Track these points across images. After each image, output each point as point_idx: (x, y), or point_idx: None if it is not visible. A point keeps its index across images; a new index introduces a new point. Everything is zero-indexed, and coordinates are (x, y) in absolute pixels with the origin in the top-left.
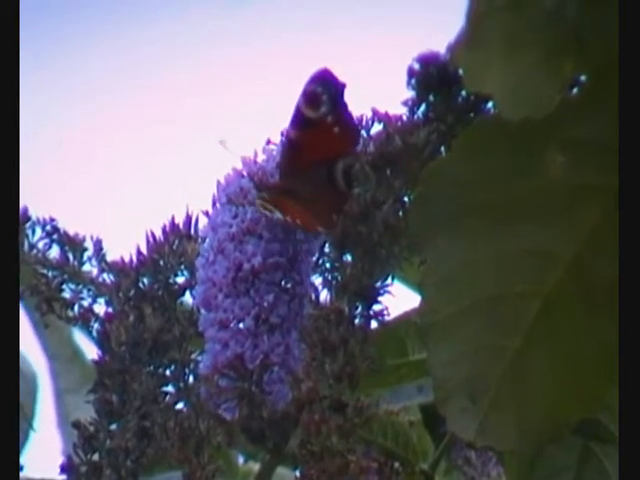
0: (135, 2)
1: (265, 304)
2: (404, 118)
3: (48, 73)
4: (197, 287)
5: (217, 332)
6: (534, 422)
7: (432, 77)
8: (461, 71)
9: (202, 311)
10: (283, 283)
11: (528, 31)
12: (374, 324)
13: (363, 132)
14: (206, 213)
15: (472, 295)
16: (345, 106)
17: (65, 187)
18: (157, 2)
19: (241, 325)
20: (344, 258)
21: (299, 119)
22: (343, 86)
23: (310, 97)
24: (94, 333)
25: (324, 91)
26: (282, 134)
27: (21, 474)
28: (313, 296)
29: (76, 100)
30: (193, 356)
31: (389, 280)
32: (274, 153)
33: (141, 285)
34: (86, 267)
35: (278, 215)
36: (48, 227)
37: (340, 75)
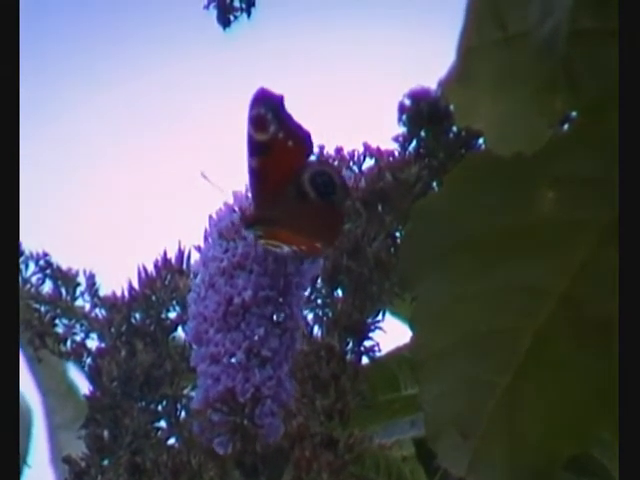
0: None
1: (256, 338)
2: (396, 153)
3: (45, 119)
4: (189, 322)
5: (208, 366)
6: (526, 458)
7: (423, 113)
8: (452, 107)
9: (194, 346)
10: (274, 317)
11: (518, 67)
12: (365, 360)
13: (354, 167)
14: (198, 248)
15: (463, 330)
16: (290, 117)
17: (58, 222)
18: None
19: (232, 359)
20: (335, 294)
21: (254, 146)
22: (281, 98)
23: (256, 121)
24: (86, 368)
25: (267, 110)
26: None
27: None
28: (305, 331)
29: (72, 138)
30: (185, 391)
31: (380, 316)
32: None
33: (133, 320)
34: (79, 302)
35: (287, 249)
36: (41, 262)
37: (332, 110)
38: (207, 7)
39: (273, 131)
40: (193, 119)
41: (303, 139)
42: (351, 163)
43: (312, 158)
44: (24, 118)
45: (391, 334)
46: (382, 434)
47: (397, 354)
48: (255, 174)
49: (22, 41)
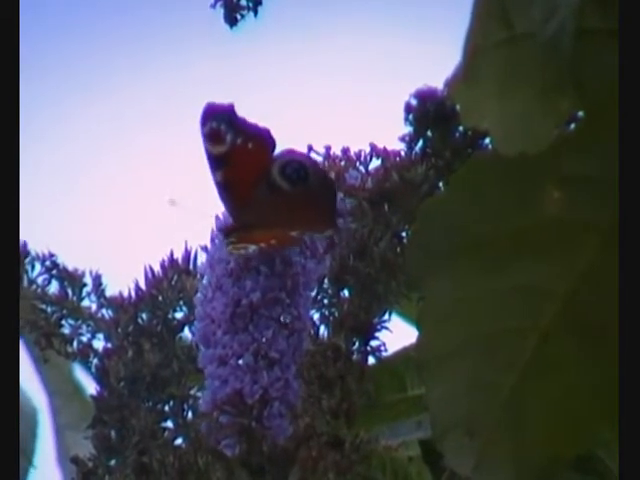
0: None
1: (264, 339)
2: (402, 153)
3: (51, 118)
4: (196, 324)
5: (216, 368)
6: (531, 458)
7: (429, 113)
8: (458, 107)
9: (201, 348)
10: (282, 318)
11: (524, 67)
12: (372, 360)
13: (361, 168)
14: (205, 248)
15: (469, 331)
16: (243, 121)
17: (64, 222)
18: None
19: (240, 361)
20: (342, 294)
21: (215, 160)
22: (231, 107)
23: (211, 136)
24: (93, 369)
25: (219, 123)
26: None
27: None
28: (312, 331)
29: (78, 137)
30: (192, 392)
31: (387, 316)
32: None
33: (140, 321)
34: (85, 302)
35: (252, 248)
36: (47, 262)
37: (338, 110)
38: (214, 6)
39: (230, 140)
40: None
41: (262, 137)
42: (358, 163)
43: (278, 151)
44: (29, 117)
45: (397, 334)
46: (388, 434)
47: (403, 354)
48: (222, 187)
49: (26, 42)
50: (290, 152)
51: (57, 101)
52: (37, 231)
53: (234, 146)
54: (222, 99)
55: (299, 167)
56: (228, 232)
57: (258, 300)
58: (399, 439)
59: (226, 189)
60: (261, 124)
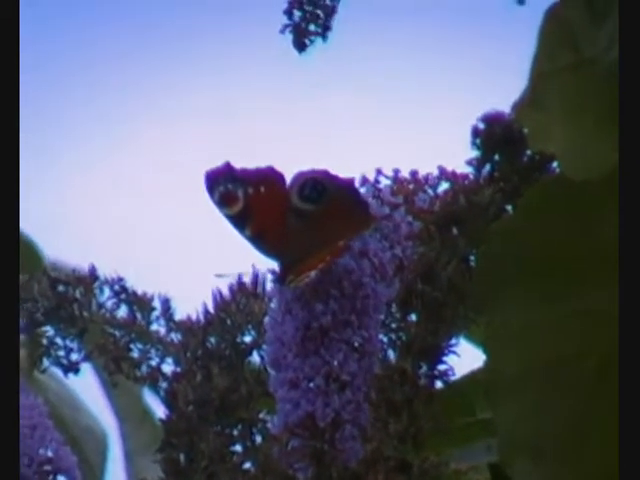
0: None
1: (335, 362)
2: (470, 177)
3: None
4: (266, 348)
5: (287, 392)
6: None
7: (497, 136)
8: (525, 130)
9: (272, 372)
10: (352, 341)
11: (589, 91)
12: (439, 384)
13: (430, 191)
14: (272, 272)
15: (534, 354)
16: (245, 171)
17: (133, 246)
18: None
19: (311, 384)
20: (409, 318)
21: (237, 220)
22: (227, 165)
23: (223, 200)
24: (162, 393)
25: (224, 185)
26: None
27: None
28: (381, 355)
29: (148, 163)
30: (261, 415)
31: (454, 340)
32: None
33: (208, 344)
34: (154, 326)
35: (313, 273)
36: (116, 286)
37: (407, 133)
38: (283, 31)
39: (242, 195)
40: (270, 142)
41: (269, 176)
42: (426, 186)
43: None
44: (104, 144)
45: (466, 357)
46: (458, 458)
47: (472, 377)
48: (255, 240)
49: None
50: (299, 175)
51: (134, 126)
52: (106, 255)
53: (249, 198)
54: (289, 122)
55: (314, 184)
56: (283, 278)
57: (328, 323)
58: (468, 463)
59: (259, 240)
60: (258, 165)
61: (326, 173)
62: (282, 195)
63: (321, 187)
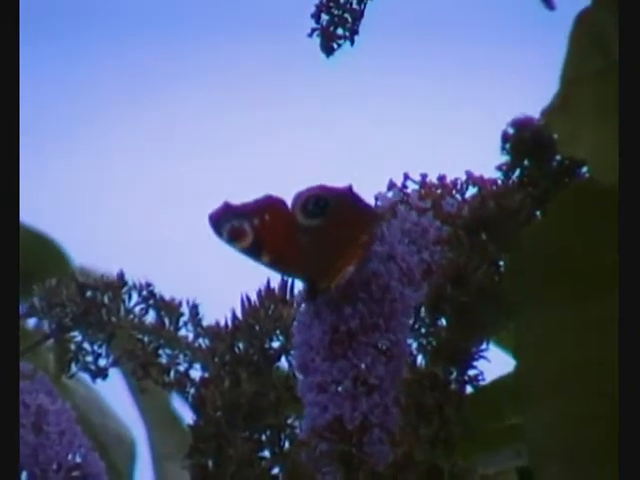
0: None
1: (363, 366)
2: (499, 182)
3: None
4: (294, 351)
5: (316, 396)
6: None
7: (526, 142)
8: (555, 135)
9: (300, 375)
10: (380, 344)
11: (616, 96)
12: (469, 389)
13: (457, 196)
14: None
15: (563, 360)
16: (245, 206)
17: (162, 252)
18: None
19: (339, 388)
20: (439, 323)
21: (251, 252)
22: (226, 204)
23: (233, 237)
24: (190, 398)
25: (229, 223)
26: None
27: None
28: (409, 360)
29: (177, 172)
30: (289, 421)
31: (484, 345)
32: None
33: (236, 350)
34: (182, 332)
35: (350, 269)
36: (144, 292)
37: (435, 138)
38: (310, 35)
39: (249, 227)
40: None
41: (270, 204)
42: (454, 191)
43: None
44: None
45: (496, 362)
46: (487, 463)
47: (501, 382)
48: (274, 266)
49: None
50: (298, 196)
51: (171, 136)
52: (134, 261)
53: (256, 229)
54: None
55: (316, 200)
56: (314, 292)
57: (357, 326)
58: (498, 468)
59: (278, 265)
60: (254, 197)
61: (323, 187)
62: (287, 218)
63: (323, 201)
